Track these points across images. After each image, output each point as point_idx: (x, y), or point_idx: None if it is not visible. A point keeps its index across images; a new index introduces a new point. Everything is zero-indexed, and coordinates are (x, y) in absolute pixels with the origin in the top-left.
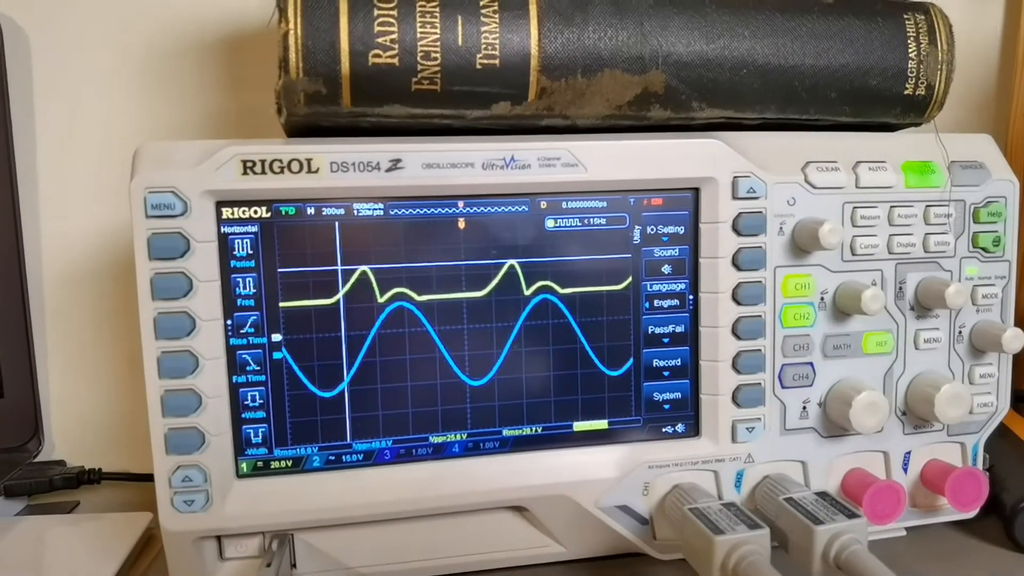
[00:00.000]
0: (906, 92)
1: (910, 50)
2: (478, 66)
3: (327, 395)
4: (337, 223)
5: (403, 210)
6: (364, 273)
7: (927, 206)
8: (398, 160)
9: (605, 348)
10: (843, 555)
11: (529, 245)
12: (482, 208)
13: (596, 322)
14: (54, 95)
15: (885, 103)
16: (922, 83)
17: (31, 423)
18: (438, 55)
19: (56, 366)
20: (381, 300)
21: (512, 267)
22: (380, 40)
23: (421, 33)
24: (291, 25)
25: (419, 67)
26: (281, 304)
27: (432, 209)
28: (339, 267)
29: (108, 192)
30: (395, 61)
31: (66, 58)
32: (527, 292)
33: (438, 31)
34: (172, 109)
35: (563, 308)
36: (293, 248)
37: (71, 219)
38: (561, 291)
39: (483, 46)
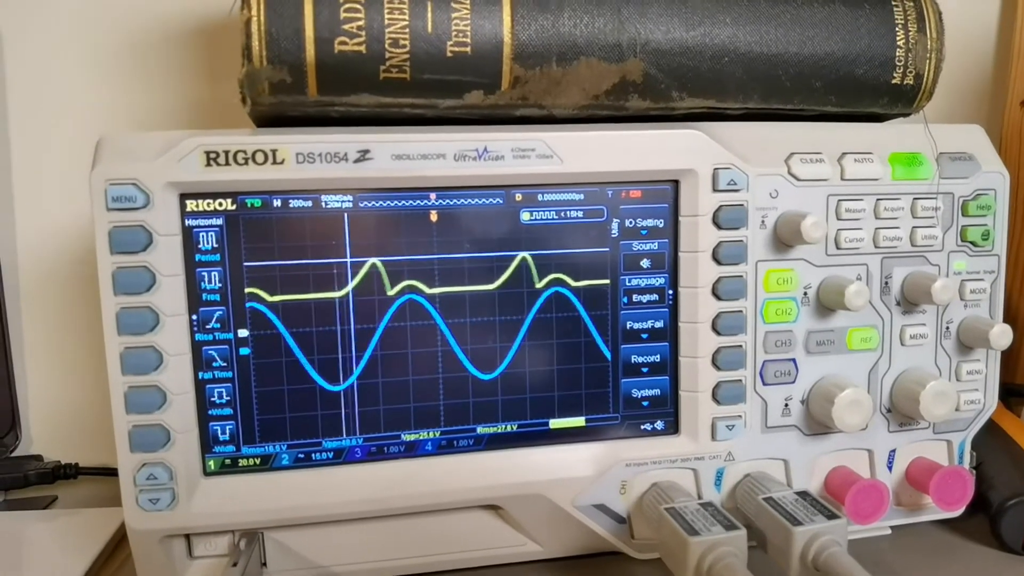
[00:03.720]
0: (894, 81)
1: (898, 38)
2: (448, 54)
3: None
4: (304, 216)
5: (373, 202)
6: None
7: (914, 199)
8: (366, 151)
9: (582, 344)
10: (821, 557)
11: (504, 238)
12: (455, 200)
13: (574, 317)
14: (28, 87)
15: (872, 93)
16: (910, 72)
17: (8, 417)
18: (407, 42)
19: (34, 359)
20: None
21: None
22: (346, 27)
23: (389, 19)
24: (254, 11)
25: (387, 55)
26: (246, 299)
27: (403, 201)
28: (308, 261)
29: (84, 184)
30: (362, 48)
31: (40, 49)
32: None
33: (407, 17)
34: (150, 99)
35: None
36: (260, 242)
37: (48, 212)
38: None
39: (454, 33)
